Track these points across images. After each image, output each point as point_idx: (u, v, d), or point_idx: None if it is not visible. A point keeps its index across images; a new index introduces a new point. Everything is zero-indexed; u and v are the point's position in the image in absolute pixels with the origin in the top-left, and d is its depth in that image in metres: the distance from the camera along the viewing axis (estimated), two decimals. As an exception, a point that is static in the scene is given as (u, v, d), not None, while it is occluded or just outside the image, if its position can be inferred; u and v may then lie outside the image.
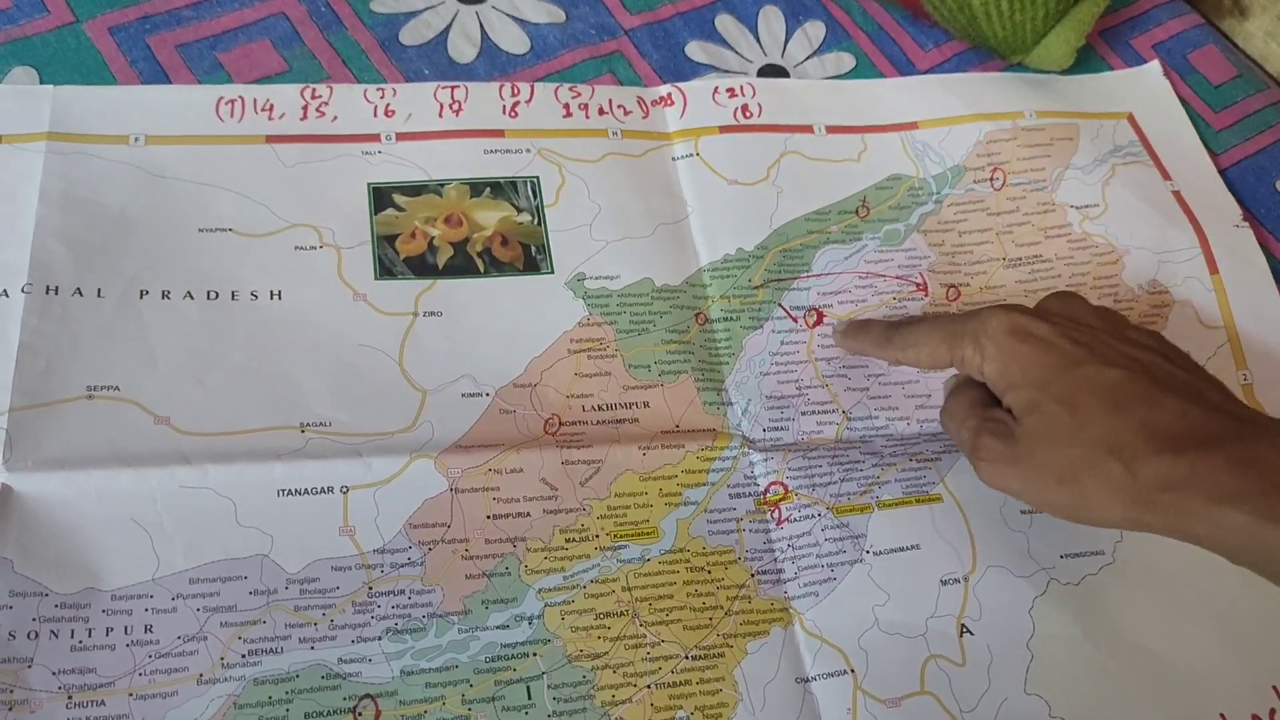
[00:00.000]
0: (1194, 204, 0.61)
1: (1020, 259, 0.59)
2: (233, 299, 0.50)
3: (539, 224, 0.55)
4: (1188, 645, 0.49)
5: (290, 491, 0.45)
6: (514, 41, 0.61)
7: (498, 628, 0.45)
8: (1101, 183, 0.61)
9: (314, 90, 0.56)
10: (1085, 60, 0.65)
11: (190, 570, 0.43)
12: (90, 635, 0.42)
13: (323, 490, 0.46)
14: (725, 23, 0.64)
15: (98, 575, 0.43)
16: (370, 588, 0.45)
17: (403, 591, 0.45)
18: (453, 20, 0.61)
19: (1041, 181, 0.61)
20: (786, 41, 0.65)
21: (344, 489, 0.46)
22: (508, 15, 0.62)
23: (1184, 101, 0.65)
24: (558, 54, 0.61)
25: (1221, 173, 0.63)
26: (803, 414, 0.53)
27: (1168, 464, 0.38)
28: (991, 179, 0.60)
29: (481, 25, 0.61)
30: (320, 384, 0.48)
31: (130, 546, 0.43)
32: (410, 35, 0.60)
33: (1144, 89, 0.66)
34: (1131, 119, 0.63)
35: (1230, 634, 0.49)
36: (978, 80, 0.64)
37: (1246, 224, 0.60)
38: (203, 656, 0.42)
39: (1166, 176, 0.61)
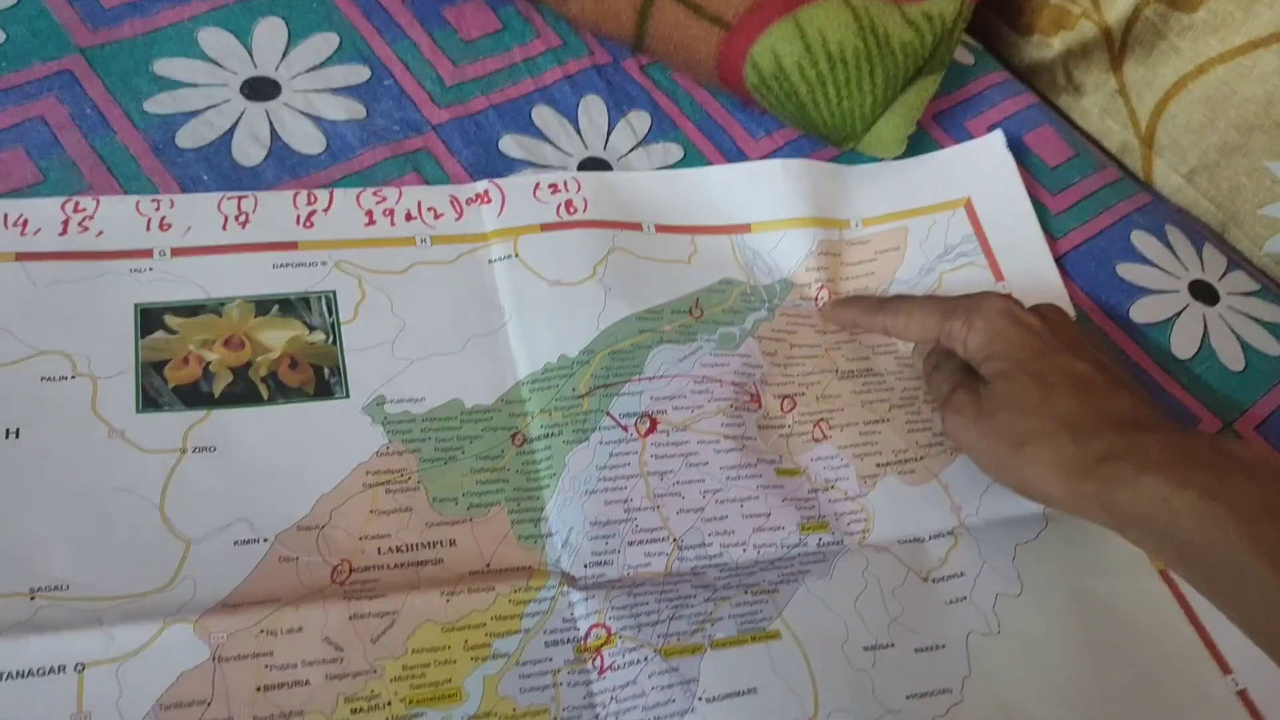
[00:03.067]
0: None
1: (853, 371, 0.55)
2: None
3: (334, 343, 0.50)
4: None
5: (10, 674, 0.38)
6: (307, 141, 0.56)
7: (270, 826, 0.39)
8: (928, 294, 0.58)
9: (77, 204, 0.50)
10: (920, 144, 0.63)
11: (-128, 782, 0.36)
12: None
13: (51, 670, 0.39)
14: (543, 114, 0.60)
15: None
16: (111, 789, 0.38)
17: (151, 792, 0.38)
18: (239, 119, 0.56)
19: None
20: (609, 133, 0.61)
21: (79, 666, 0.39)
22: (301, 113, 0.57)
23: (1021, 185, 0.63)
24: (356, 153, 0.56)
25: (1062, 258, 0.61)
26: (629, 544, 0.48)
27: (1110, 440, 0.43)
28: (817, 298, 0.57)
29: (271, 124, 0.56)
30: (58, 538, 0.42)
31: None
32: (188, 137, 0.54)
33: (984, 165, 0.63)
34: (969, 206, 0.61)
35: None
36: (814, 168, 0.60)
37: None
38: None
39: (1000, 277, 0.58)
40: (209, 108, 0.56)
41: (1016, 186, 0.62)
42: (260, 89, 0.57)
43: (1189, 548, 0.40)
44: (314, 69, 0.59)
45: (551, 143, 0.59)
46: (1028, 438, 0.44)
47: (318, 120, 0.57)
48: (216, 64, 0.57)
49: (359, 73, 0.59)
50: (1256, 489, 0.39)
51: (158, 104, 0.55)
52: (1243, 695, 0.47)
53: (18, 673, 0.38)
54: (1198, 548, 0.40)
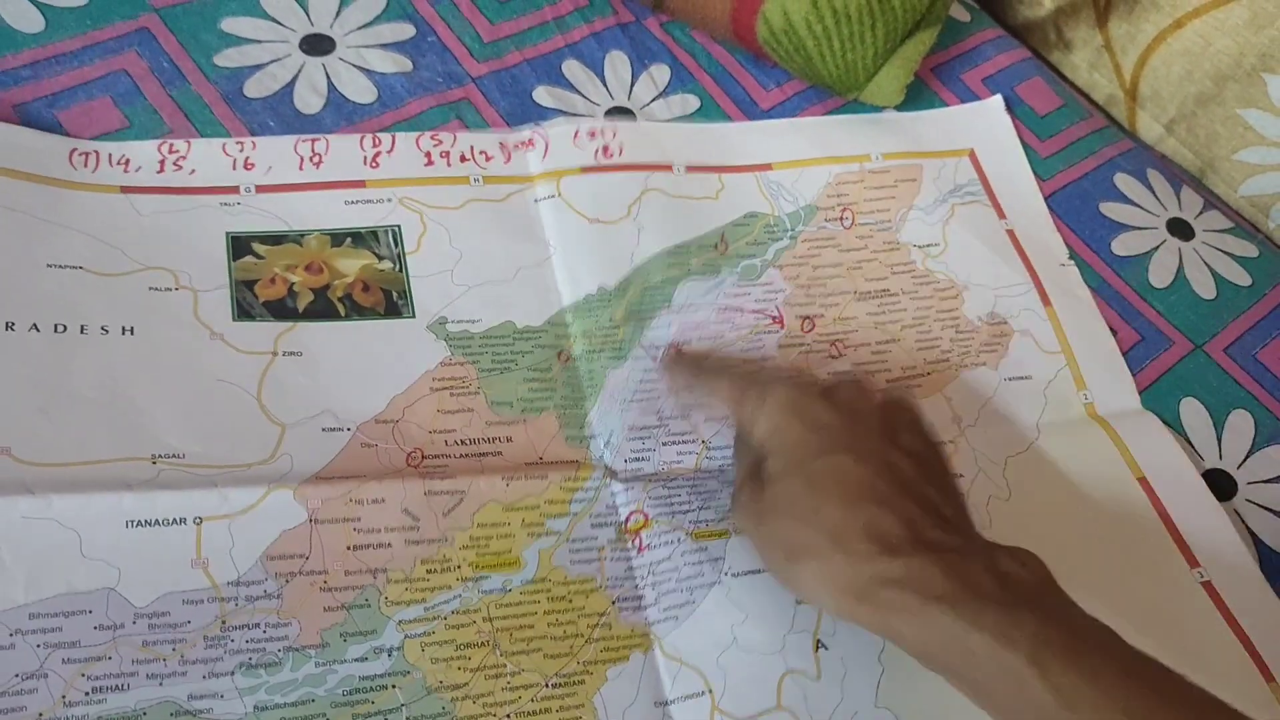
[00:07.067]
0: (1025, 242, 0.65)
1: (870, 292, 0.62)
2: (82, 332, 0.49)
3: (400, 270, 0.56)
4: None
5: (140, 523, 0.44)
6: (361, 91, 0.62)
7: (356, 660, 0.45)
8: (942, 222, 0.65)
9: (171, 145, 0.57)
10: (919, 96, 0.69)
11: (30, 605, 0.42)
12: (-80, 675, 0.40)
13: (175, 521, 0.45)
14: (572, 68, 0.67)
15: (-71, 611, 0.41)
16: (224, 621, 0.44)
17: (258, 625, 0.44)
18: (299, 72, 0.62)
19: (887, 222, 0.64)
20: (633, 84, 0.67)
21: (197, 520, 0.45)
22: (354, 66, 0.63)
23: (1010, 131, 0.69)
24: (405, 102, 0.63)
25: (1049, 197, 0.67)
26: (664, 444, 0.54)
27: (885, 564, 0.40)
28: (841, 218, 0.64)
29: (328, 76, 0.62)
30: (174, 416, 0.48)
31: (-35, 581, 0.42)
32: (255, 88, 0.61)
33: (986, 124, 0.70)
34: (973, 156, 0.68)
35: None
36: (827, 123, 0.68)
37: (1071, 263, 0.64)
38: (43, 695, 0.41)
39: (1002, 215, 0.65)
40: (272, 61, 0.62)
41: (1014, 144, 0.69)
42: (317, 44, 0.64)
43: (985, 688, 0.39)
44: (364, 26, 0.65)
45: (580, 93, 0.66)
46: (800, 551, 0.42)
47: (369, 72, 0.63)
48: (277, 22, 0.64)
49: (405, 30, 0.65)
50: (1051, 631, 0.38)
51: (226, 58, 0.61)
52: (1207, 586, 0.54)
53: (147, 521, 0.45)
54: (996, 691, 0.38)
